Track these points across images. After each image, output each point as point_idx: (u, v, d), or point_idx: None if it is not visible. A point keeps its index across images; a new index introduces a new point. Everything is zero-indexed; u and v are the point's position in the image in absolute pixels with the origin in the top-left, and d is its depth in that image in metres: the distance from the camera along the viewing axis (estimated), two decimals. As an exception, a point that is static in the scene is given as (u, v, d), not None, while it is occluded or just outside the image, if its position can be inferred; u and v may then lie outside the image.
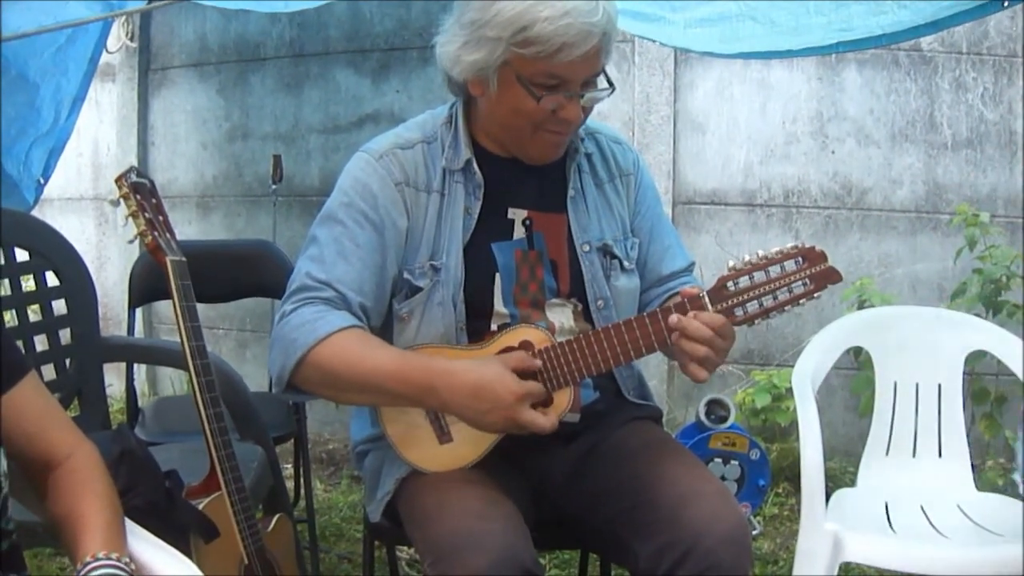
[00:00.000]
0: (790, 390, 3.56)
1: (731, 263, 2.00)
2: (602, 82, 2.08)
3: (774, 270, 1.98)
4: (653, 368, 4.61)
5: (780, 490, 4.29)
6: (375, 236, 2.08)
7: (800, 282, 1.98)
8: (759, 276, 1.98)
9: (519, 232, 2.18)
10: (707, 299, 1.98)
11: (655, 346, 2.02)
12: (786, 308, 2.00)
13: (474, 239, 2.14)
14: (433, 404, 2.00)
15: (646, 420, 2.33)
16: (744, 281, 1.99)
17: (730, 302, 1.98)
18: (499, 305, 2.14)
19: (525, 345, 2.05)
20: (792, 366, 3.06)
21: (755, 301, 1.98)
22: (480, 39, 1.99)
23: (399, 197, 2.10)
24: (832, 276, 2.00)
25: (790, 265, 1.98)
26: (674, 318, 1.96)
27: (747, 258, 1.99)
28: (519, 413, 1.92)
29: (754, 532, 3.95)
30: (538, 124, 2.06)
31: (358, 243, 2.07)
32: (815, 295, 2.00)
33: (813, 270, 1.98)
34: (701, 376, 2.00)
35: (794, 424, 3.50)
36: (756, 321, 2.01)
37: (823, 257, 2.00)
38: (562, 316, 2.18)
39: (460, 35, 2.04)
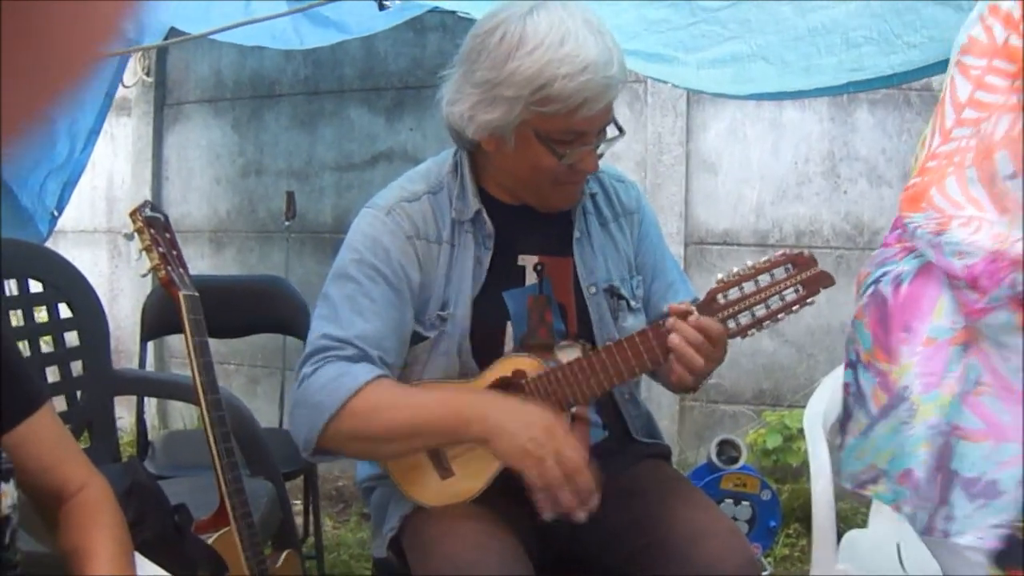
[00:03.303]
0: (801, 431, 3.54)
1: (719, 276, 2.00)
2: (612, 129, 2.08)
3: (764, 279, 1.99)
4: (665, 408, 4.60)
5: (791, 531, 4.26)
6: (389, 291, 2.04)
7: (792, 289, 1.99)
8: (749, 287, 1.99)
9: (531, 278, 2.16)
10: (696, 313, 1.99)
11: (648, 364, 2.02)
12: (779, 316, 2.00)
13: (485, 289, 2.12)
14: (477, 431, 1.90)
15: (656, 459, 2.32)
16: (734, 293, 1.99)
17: (721, 315, 1.98)
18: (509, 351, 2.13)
19: (518, 374, 2.05)
20: (803, 407, 3.04)
21: (747, 312, 1.99)
22: (495, 98, 1.96)
23: (412, 251, 2.07)
24: (824, 280, 2.01)
25: (779, 273, 1.98)
26: (671, 321, 1.97)
27: (735, 270, 1.99)
28: (566, 443, 1.87)
29: (764, 573, 3.93)
30: (557, 177, 2.05)
31: (373, 299, 2.02)
32: (808, 301, 2.00)
33: (804, 275, 1.99)
34: (687, 381, 2.00)
35: (805, 465, 3.49)
36: (750, 332, 2.01)
37: (813, 262, 2.00)
38: (572, 357, 2.18)
39: (472, 94, 2.00)
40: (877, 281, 1.93)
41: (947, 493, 1.77)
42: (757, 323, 2.00)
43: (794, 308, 2.00)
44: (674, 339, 1.97)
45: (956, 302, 1.75)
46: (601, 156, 2.10)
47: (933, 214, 1.79)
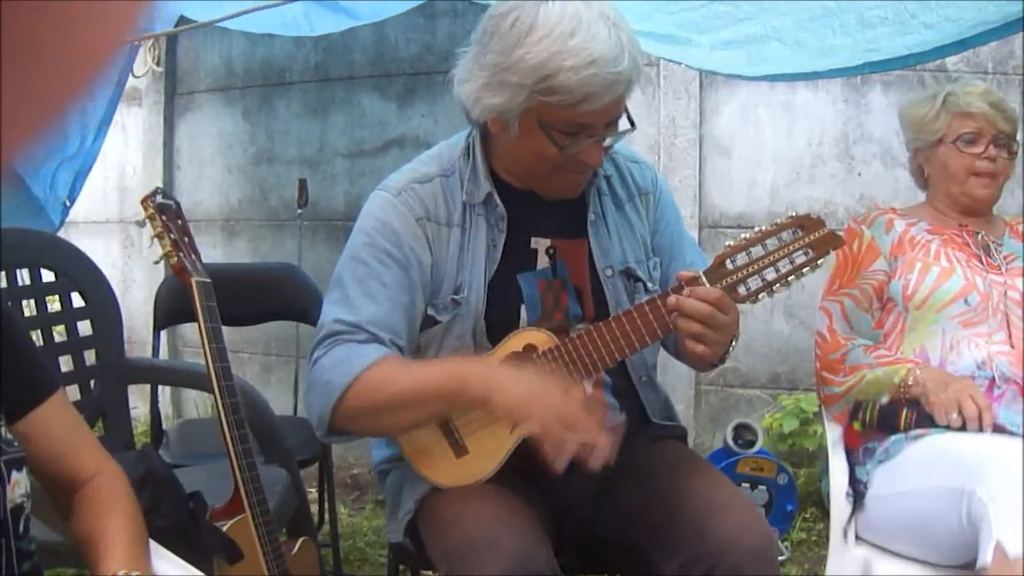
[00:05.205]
0: (817, 415, 3.53)
1: (728, 242, 2.00)
2: (623, 122, 2.06)
3: (771, 242, 1.99)
4: (680, 393, 4.58)
5: (808, 515, 4.24)
6: (401, 274, 2.05)
7: (801, 251, 1.99)
8: (757, 250, 1.99)
9: (543, 261, 2.16)
10: (704, 279, 1.98)
11: (658, 332, 2.01)
12: (790, 279, 2.00)
13: (499, 271, 2.12)
14: (477, 390, 1.93)
15: (672, 439, 2.31)
16: (742, 257, 1.99)
17: (730, 280, 1.98)
18: None
19: (529, 348, 2.04)
20: (820, 390, 3.02)
21: (756, 276, 1.99)
22: (502, 83, 1.95)
23: (421, 233, 2.07)
24: (833, 241, 2.01)
25: (787, 236, 1.99)
26: (672, 299, 1.97)
27: (743, 235, 1.99)
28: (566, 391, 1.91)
29: (781, 557, 3.91)
30: (558, 166, 2.04)
31: (384, 282, 2.03)
32: (818, 263, 2.00)
33: (811, 237, 1.99)
34: (698, 350, 1.99)
35: (822, 449, 3.47)
36: (760, 296, 2.00)
37: (820, 223, 2.01)
38: None
39: (480, 76, 1.99)
40: None
41: None
42: (767, 287, 2.00)
43: (804, 271, 2.01)
44: (672, 301, 1.98)
45: None
46: (608, 149, 2.09)
47: None
